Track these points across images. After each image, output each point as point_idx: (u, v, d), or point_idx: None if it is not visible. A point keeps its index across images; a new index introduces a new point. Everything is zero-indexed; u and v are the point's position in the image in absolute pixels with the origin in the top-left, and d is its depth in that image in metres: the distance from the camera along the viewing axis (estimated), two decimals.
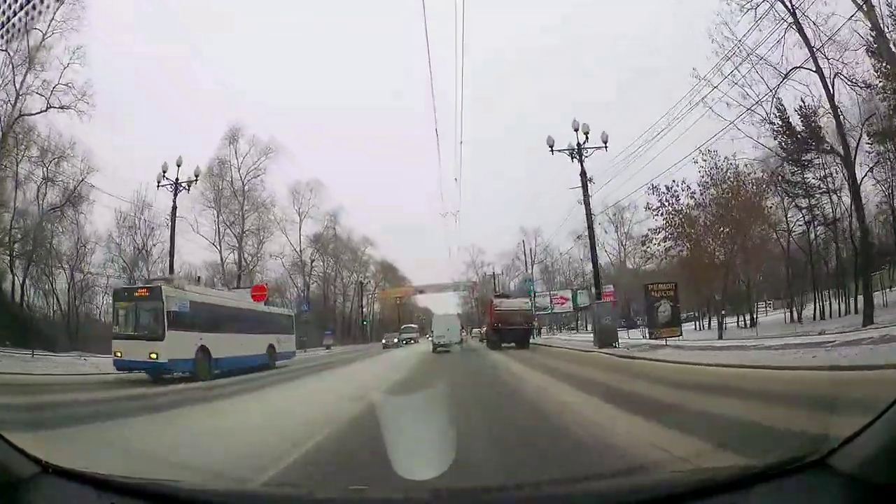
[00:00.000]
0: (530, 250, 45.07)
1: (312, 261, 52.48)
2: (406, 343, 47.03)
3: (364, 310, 62.94)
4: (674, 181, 24.99)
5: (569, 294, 43.51)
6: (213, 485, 3.22)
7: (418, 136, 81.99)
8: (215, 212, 39.73)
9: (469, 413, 6.72)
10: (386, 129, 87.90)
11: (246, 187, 41.30)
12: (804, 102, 21.97)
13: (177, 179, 24.28)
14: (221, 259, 40.70)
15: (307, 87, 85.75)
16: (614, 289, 40.25)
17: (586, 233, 43.92)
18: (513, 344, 26.84)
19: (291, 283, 50.24)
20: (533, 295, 37.67)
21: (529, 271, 43.65)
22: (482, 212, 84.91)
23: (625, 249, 45.93)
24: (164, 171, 24.25)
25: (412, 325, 57.17)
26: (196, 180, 25.56)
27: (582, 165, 21.43)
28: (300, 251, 50.05)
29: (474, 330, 60.07)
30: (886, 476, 1.44)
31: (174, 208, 24.75)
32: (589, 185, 21.67)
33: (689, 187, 25.00)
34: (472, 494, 2.46)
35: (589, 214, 22.51)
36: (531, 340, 29.74)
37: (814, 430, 3.17)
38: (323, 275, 54.95)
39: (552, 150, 21.54)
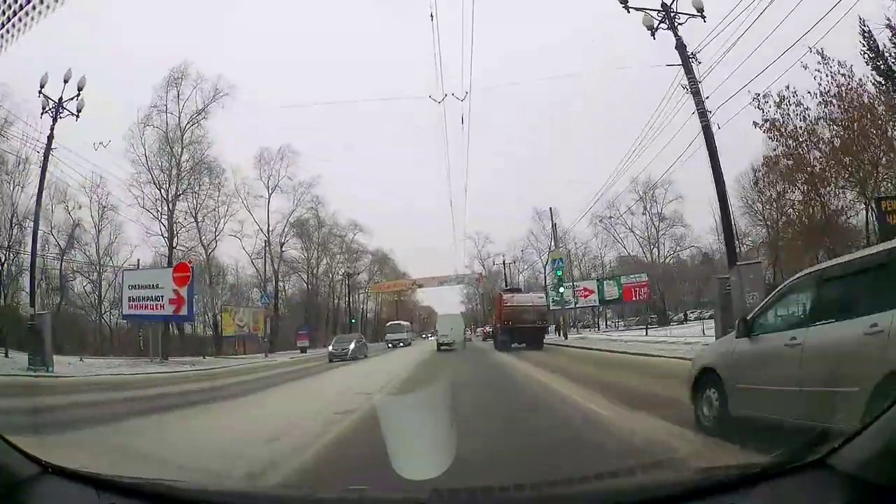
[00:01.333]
0: (553, 225, 35.39)
1: (283, 243, 42.33)
2: (393, 346, 36.77)
3: (355, 306, 54.02)
4: (787, 87, 19.00)
5: (593, 285, 37.28)
6: (212, 485, 3.22)
7: (417, 103, 72.08)
8: (152, 176, 31.40)
9: None
10: (378, 98, 75.27)
11: (185, 138, 31.89)
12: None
13: (60, 99, 17.89)
14: (161, 229, 32.07)
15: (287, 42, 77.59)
16: (648, 278, 35.53)
17: (609, 215, 37.26)
18: (523, 345, 24.09)
19: (259, 272, 41.12)
20: (562, 279, 30.77)
21: (555, 250, 33.81)
22: (488, 197, 75.92)
23: (658, 233, 39.63)
24: (42, 86, 17.89)
25: (402, 323, 45.69)
26: (79, 95, 18.13)
27: (676, 34, 14.24)
28: (268, 231, 40.60)
29: (478, 329, 59.26)
30: (886, 476, 1.44)
31: (50, 138, 18.21)
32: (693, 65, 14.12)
33: (809, 93, 18.80)
34: (472, 494, 2.46)
35: (703, 111, 13.67)
36: (567, 340, 26.76)
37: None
38: (305, 263, 46.03)
39: (627, 7, 14.97)
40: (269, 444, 5.29)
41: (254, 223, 39.72)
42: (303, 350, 35.62)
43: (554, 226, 34.92)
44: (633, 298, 36.45)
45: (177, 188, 31.96)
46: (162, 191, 31.67)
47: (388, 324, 45.44)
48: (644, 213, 38.77)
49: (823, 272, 4.29)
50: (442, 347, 29.05)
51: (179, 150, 31.81)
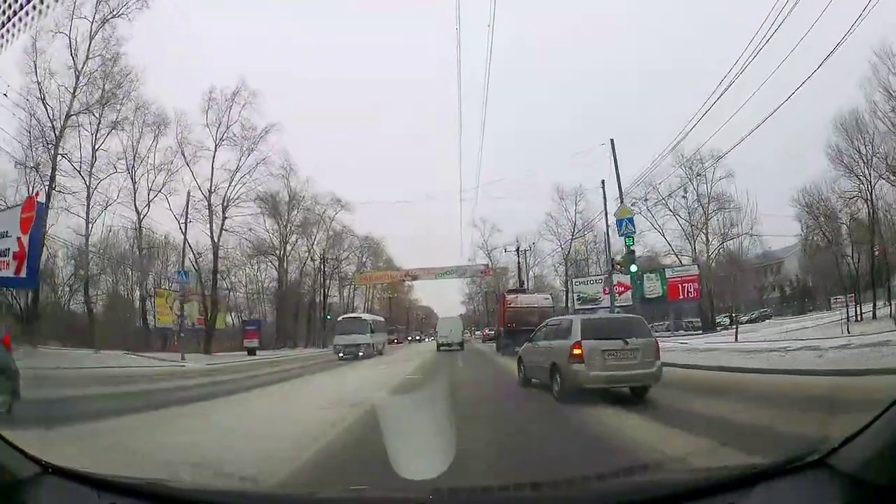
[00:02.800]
0: (615, 163, 22.24)
1: (226, 207, 33.10)
2: (350, 356, 23.85)
3: (345, 301, 48.03)
4: None
5: (629, 279, 27.37)
6: (212, 485, 3.22)
7: (420, 57, 68.07)
8: (39, 88, 23.73)
9: None
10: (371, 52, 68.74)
11: (93, 45, 24.45)
12: None
13: None
14: (30, 156, 24.23)
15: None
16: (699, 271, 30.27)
17: (645, 198, 31.48)
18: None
19: (184, 238, 30.63)
20: (633, 254, 20.63)
21: (622, 206, 21.21)
22: (494, 196, 70.63)
23: (706, 216, 33.18)
24: None
25: (362, 316, 30.38)
26: None
27: None
28: (210, 189, 32.25)
29: (477, 332, 58.66)
30: (886, 476, 1.44)
31: None
32: None
33: None
34: (472, 494, 2.46)
35: None
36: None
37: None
38: (270, 240, 38.13)
39: None
40: None
41: (192, 178, 31.69)
42: (251, 352, 27.21)
43: (616, 165, 21.97)
44: (680, 297, 29.91)
45: (71, 103, 24.11)
46: (48, 106, 23.91)
47: (340, 318, 29.79)
48: (685, 197, 32.78)
49: (547, 323, 10.12)
50: (442, 348, 30.98)
51: (84, 55, 24.14)
